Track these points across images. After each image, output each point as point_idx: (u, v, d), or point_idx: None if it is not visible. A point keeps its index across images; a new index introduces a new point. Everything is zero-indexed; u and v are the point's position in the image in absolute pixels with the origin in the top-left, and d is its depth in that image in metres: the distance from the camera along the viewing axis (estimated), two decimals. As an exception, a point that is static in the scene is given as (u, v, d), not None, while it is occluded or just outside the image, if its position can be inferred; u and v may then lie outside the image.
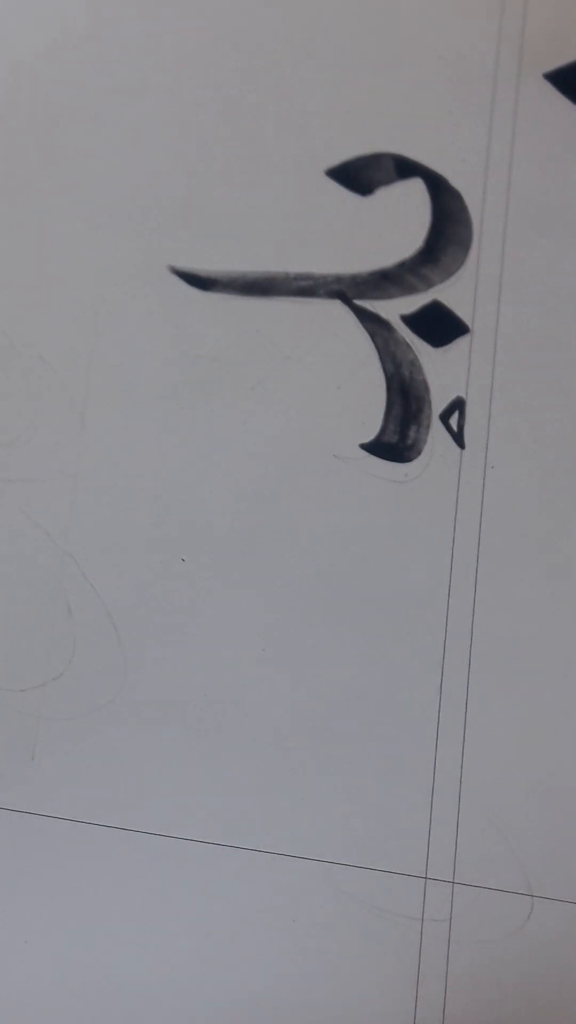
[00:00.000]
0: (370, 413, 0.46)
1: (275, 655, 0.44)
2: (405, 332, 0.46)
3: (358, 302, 0.46)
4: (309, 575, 0.44)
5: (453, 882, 0.42)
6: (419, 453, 0.45)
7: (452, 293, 0.46)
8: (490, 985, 0.41)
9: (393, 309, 0.46)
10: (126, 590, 0.44)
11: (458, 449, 0.45)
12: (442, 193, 0.47)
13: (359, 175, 0.47)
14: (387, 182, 0.47)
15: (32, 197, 0.47)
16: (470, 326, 0.46)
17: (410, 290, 0.46)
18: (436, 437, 0.45)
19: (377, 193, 0.47)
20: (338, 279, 0.47)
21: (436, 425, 0.46)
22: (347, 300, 0.46)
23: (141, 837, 0.42)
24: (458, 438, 0.45)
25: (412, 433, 0.45)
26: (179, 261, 0.47)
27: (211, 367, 0.46)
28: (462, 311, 0.46)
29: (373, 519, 0.45)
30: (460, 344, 0.46)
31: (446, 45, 0.48)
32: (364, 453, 0.45)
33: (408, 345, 0.46)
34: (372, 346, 0.46)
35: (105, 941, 0.41)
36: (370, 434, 0.45)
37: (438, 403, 0.46)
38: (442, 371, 0.46)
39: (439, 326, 0.46)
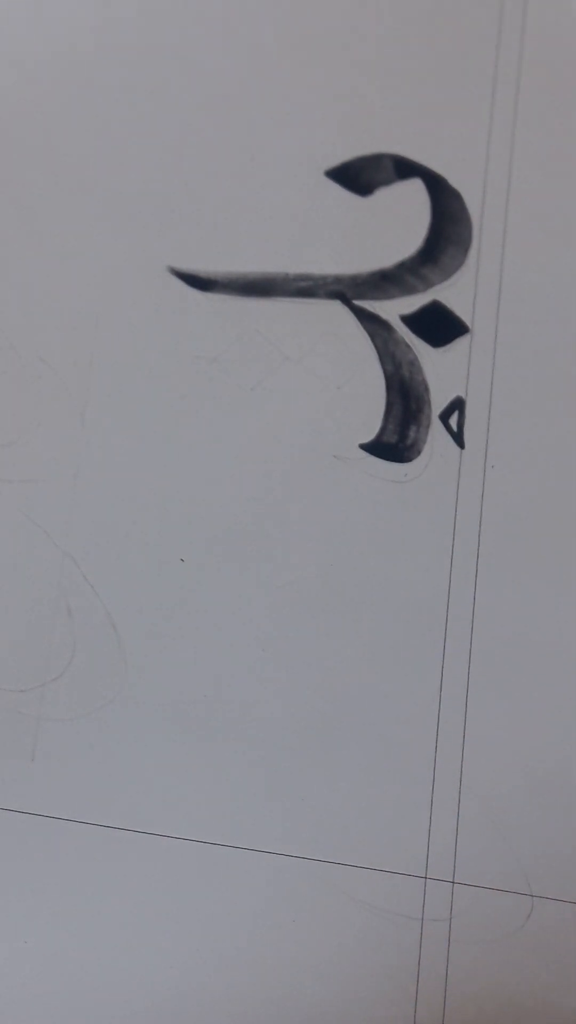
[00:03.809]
0: (370, 413, 0.46)
1: (275, 655, 0.44)
2: (405, 332, 0.46)
3: (358, 302, 0.46)
4: (309, 575, 0.44)
5: (453, 882, 0.42)
6: (419, 453, 0.45)
7: (452, 293, 0.46)
8: (490, 985, 0.41)
9: (393, 309, 0.46)
10: (126, 590, 0.44)
11: (458, 449, 0.45)
12: (442, 193, 0.47)
13: (359, 176, 0.47)
14: (387, 182, 0.47)
15: (32, 198, 0.47)
16: (470, 326, 0.46)
17: (410, 290, 0.46)
18: (436, 437, 0.45)
19: (377, 193, 0.47)
20: (338, 279, 0.47)
21: (436, 425, 0.46)
22: (347, 300, 0.46)
23: (141, 837, 0.42)
24: (458, 438, 0.45)
25: (412, 433, 0.45)
26: (179, 262, 0.47)
27: (211, 368, 0.46)
28: (462, 311, 0.46)
29: (373, 519, 0.45)
30: (460, 344, 0.46)
31: (446, 45, 0.48)
32: (364, 453, 0.45)
33: (408, 345, 0.46)
34: (372, 346, 0.46)
35: (105, 941, 0.41)
36: (370, 434, 0.45)
37: (438, 403, 0.46)
38: (442, 371, 0.46)
39: (439, 326, 0.46)
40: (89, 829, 0.42)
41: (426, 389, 0.46)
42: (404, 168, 0.47)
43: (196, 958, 0.41)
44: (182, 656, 0.44)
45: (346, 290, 0.46)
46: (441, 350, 0.46)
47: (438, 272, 0.46)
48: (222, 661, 0.43)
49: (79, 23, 0.49)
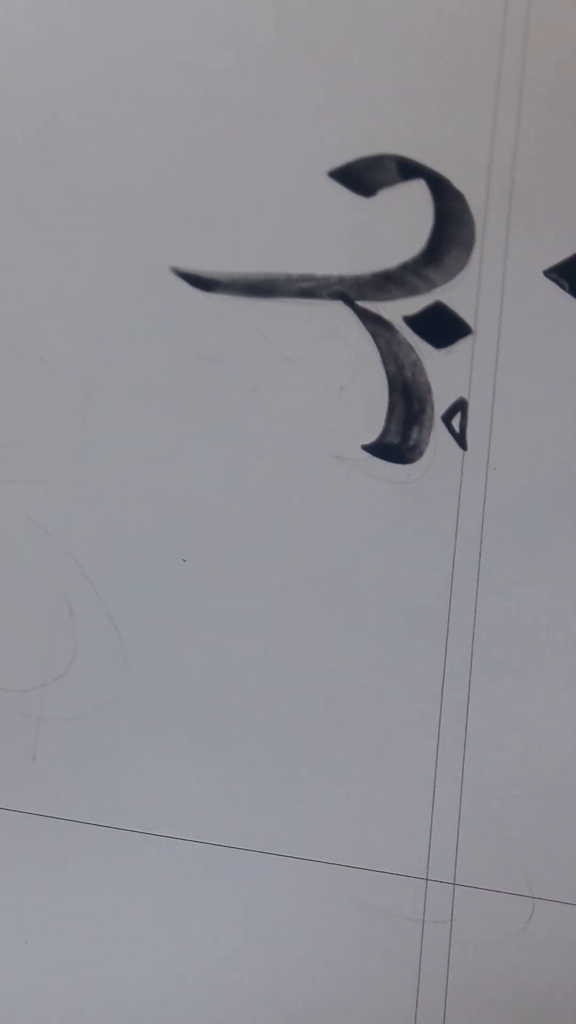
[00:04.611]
0: (372, 414, 0.46)
1: (275, 655, 0.44)
2: (407, 333, 0.46)
3: (360, 303, 0.46)
4: (310, 576, 0.44)
5: (454, 883, 0.42)
6: (421, 454, 0.45)
7: (454, 294, 0.46)
8: (491, 987, 0.41)
9: (395, 310, 0.46)
10: (127, 590, 0.44)
11: (460, 450, 0.45)
12: (445, 194, 0.47)
13: (362, 176, 0.47)
14: (390, 183, 0.47)
15: (33, 197, 0.47)
16: (472, 327, 0.46)
17: (412, 291, 0.46)
18: (438, 438, 0.45)
19: (380, 194, 0.47)
20: (340, 280, 0.47)
21: (438, 426, 0.46)
22: (349, 301, 0.46)
23: (141, 837, 0.42)
24: (460, 439, 0.45)
25: (414, 434, 0.45)
26: (181, 262, 0.47)
27: (213, 368, 0.46)
28: (464, 312, 0.46)
29: (375, 520, 0.45)
30: (462, 345, 0.46)
31: (449, 46, 0.48)
32: (366, 454, 0.45)
33: (410, 346, 0.46)
34: (374, 347, 0.46)
35: (105, 941, 0.41)
36: (372, 435, 0.45)
37: (440, 404, 0.46)
38: (444, 372, 0.46)
39: (441, 327, 0.46)
40: (89, 829, 0.42)
41: (429, 390, 0.46)
42: (407, 169, 0.47)
43: (196, 958, 0.41)
44: (183, 656, 0.43)
45: (349, 291, 0.46)
46: (444, 351, 0.46)
47: (441, 273, 0.47)
48: (223, 661, 0.43)
49: (79, 23, 0.49)
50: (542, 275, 0.47)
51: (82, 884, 0.42)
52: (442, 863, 0.42)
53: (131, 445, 0.45)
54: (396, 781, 0.43)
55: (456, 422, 0.45)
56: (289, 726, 0.43)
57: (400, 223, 0.47)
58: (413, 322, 0.46)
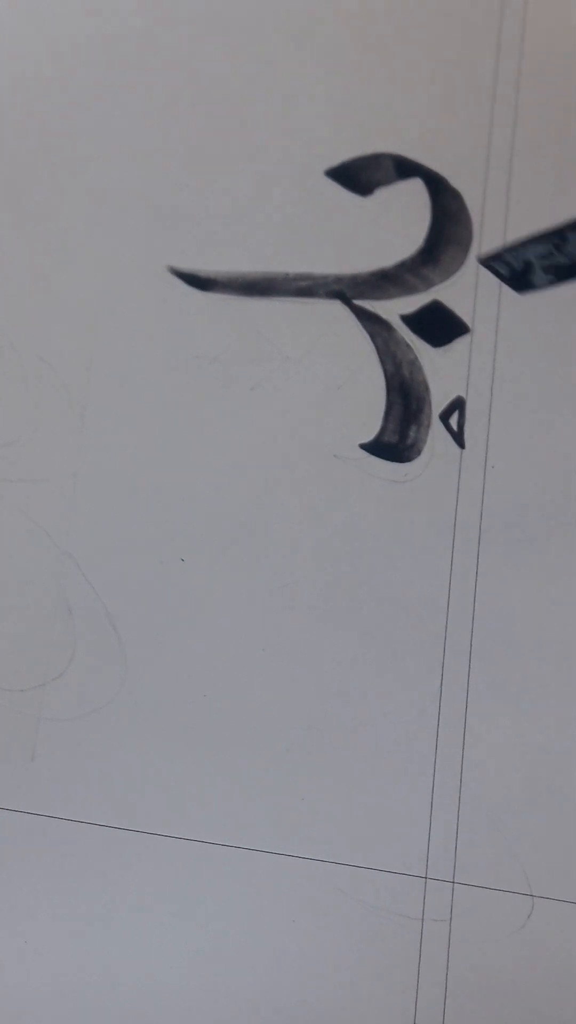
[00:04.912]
0: (370, 413, 0.46)
1: (275, 655, 0.44)
2: (405, 332, 0.46)
3: (358, 302, 0.46)
4: (309, 575, 0.44)
5: (453, 882, 0.42)
6: (419, 453, 0.45)
7: (452, 293, 0.46)
8: (490, 985, 0.41)
9: (393, 309, 0.46)
10: (126, 590, 0.44)
11: (458, 449, 0.45)
12: (442, 193, 0.47)
13: (359, 175, 0.47)
14: (387, 182, 0.47)
15: (32, 198, 0.47)
16: (470, 326, 0.46)
17: (410, 290, 0.46)
18: (436, 437, 0.45)
19: (377, 193, 0.47)
20: (338, 279, 0.47)
21: (436, 425, 0.45)
22: (347, 300, 0.46)
23: (141, 837, 0.42)
24: (458, 438, 0.45)
25: (412, 433, 0.45)
26: (179, 262, 0.47)
27: (211, 367, 0.46)
28: (462, 311, 0.46)
29: (373, 519, 0.45)
30: (460, 344, 0.46)
31: (446, 45, 0.48)
32: (364, 453, 0.45)
33: (408, 345, 0.46)
34: (372, 346, 0.46)
35: (105, 941, 0.41)
36: (370, 434, 0.45)
37: (438, 403, 0.46)
38: (442, 371, 0.46)
39: (439, 326, 0.46)
40: (89, 829, 0.42)
41: (426, 389, 0.46)
42: (404, 168, 0.47)
43: (196, 958, 0.41)
44: (182, 656, 0.44)
45: (346, 290, 0.46)
46: (441, 350, 0.46)
47: (438, 272, 0.46)
48: (222, 661, 0.43)
49: (79, 23, 0.49)
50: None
51: (81, 884, 0.42)
52: (441, 862, 0.42)
53: (130, 444, 0.45)
54: (395, 780, 0.43)
55: (454, 421, 0.45)
56: (288, 726, 0.43)
57: (397, 222, 0.47)
58: (410, 321, 0.46)
